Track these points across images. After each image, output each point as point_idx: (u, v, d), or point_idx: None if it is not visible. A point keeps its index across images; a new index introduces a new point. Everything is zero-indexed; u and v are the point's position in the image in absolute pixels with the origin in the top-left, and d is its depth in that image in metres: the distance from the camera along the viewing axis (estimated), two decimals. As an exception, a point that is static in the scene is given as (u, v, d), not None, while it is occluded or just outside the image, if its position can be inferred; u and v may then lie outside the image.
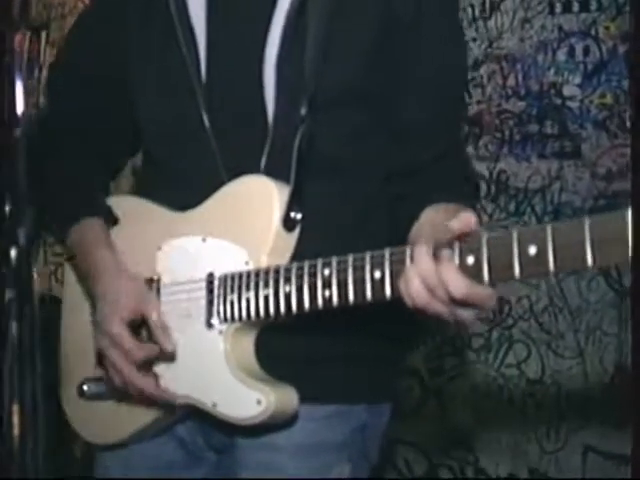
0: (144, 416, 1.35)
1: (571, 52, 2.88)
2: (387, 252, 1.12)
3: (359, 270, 1.13)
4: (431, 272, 1.03)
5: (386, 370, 1.42)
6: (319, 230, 1.29)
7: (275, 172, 1.29)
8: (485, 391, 2.92)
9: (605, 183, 2.83)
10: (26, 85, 1.09)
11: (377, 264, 1.11)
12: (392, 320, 1.24)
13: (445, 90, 1.37)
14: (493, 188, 2.96)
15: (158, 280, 1.35)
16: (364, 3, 1.31)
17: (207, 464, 1.42)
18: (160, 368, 1.32)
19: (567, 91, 2.89)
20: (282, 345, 1.29)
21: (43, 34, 4.25)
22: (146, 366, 1.30)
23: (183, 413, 1.34)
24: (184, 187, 1.39)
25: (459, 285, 1.02)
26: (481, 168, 2.90)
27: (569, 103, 2.88)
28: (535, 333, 2.87)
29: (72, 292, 1.49)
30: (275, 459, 1.32)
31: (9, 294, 1.02)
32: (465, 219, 1.05)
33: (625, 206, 0.95)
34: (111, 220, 1.43)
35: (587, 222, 0.95)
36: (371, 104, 1.34)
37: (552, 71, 2.91)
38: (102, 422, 1.42)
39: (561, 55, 2.89)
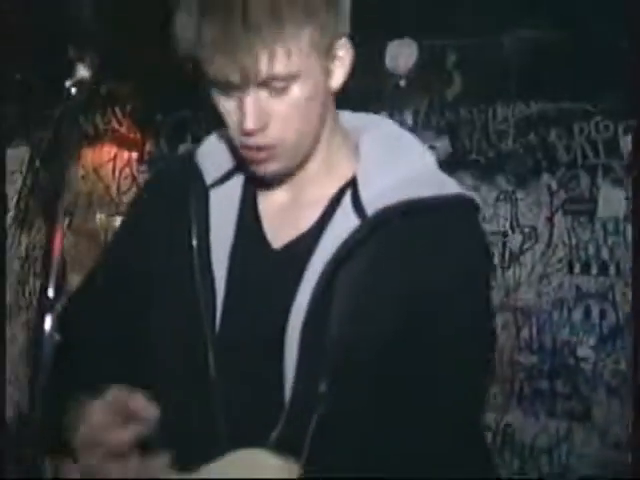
0: None
1: (587, 313, 2.87)
2: None
3: None
4: None
5: None
6: None
7: (286, 448, 1.21)
8: None
9: (614, 452, 2.73)
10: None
11: None
12: None
13: (465, 377, 1.31)
14: (499, 441, 2.86)
15: None
16: (394, 280, 1.28)
17: None
18: None
19: (581, 352, 2.85)
20: None
21: (66, 220, 4.33)
22: None
23: None
24: (180, 441, 1.30)
25: None
26: (488, 419, 2.81)
27: (582, 364, 2.84)
28: None
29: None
30: None
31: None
32: None
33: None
34: None
35: None
36: (393, 383, 1.28)
37: (567, 329, 2.89)
38: None
39: (577, 315, 2.88)
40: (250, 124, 1.17)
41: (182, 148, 3.96)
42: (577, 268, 2.91)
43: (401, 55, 3.18)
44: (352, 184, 1.28)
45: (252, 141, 1.20)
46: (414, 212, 1.25)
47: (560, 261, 2.94)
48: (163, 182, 1.45)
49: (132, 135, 4.17)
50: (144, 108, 4.08)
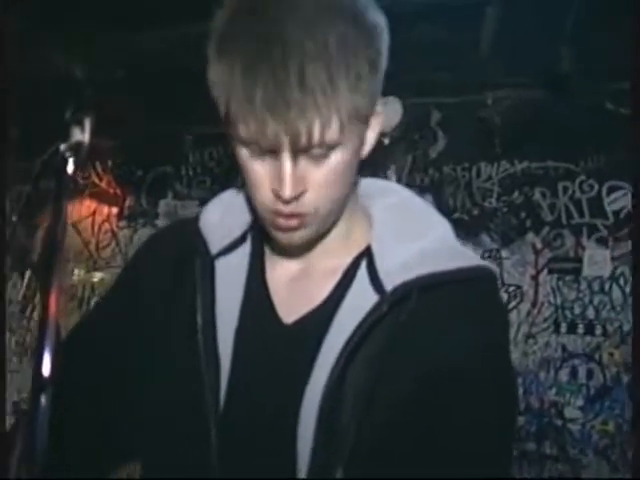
0: None
1: (574, 373, 2.84)
2: None
3: None
4: None
5: None
6: None
7: None
8: None
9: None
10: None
11: None
12: None
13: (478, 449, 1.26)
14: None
15: None
16: (413, 360, 1.21)
17: None
18: None
19: (568, 413, 2.82)
20: None
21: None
22: None
23: None
24: None
25: None
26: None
27: (570, 425, 2.80)
28: None
29: None
30: None
31: None
32: None
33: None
34: None
35: None
36: (414, 467, 1.22)
37: (554, 390, 2.85)
38: None
39: (563, 375, 2.85)
40: (287, 192, 1.07)
41: (163, 204, 3.93)
42: (563, 328, 2.89)
43: (385, 113, 3.18)
44: (367, 254, 1.24)
45: (287, 209, 1.11)
46: (432, 287, 1.20)
47: (546, 320, 2.91)
48: (163, 250, 1.37)
49: (112, 190, 4.13)
50: (125, 163, 4.05)
